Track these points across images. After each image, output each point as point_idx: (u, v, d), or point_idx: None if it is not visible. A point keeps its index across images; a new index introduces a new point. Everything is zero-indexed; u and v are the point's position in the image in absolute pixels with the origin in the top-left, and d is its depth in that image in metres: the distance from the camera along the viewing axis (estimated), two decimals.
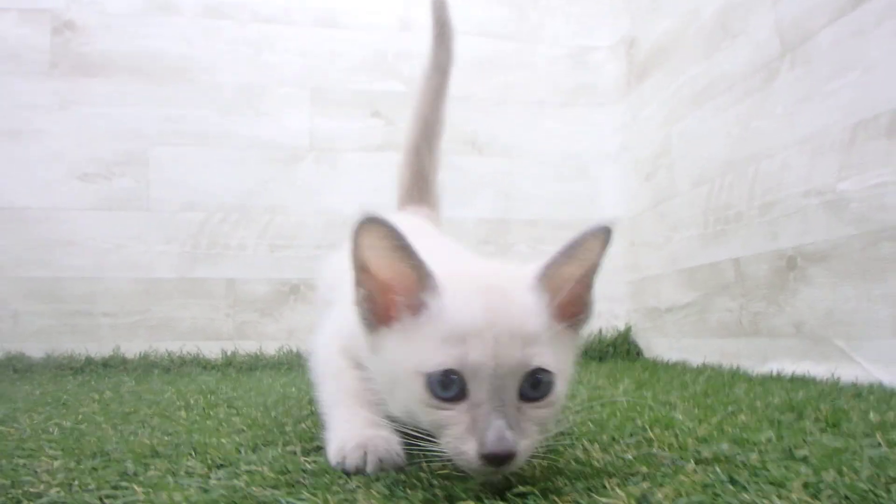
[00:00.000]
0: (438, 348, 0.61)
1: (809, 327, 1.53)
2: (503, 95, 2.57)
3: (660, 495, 0.55)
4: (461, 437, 0.60)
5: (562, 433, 0.83)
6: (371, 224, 0.62)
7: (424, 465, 0.67)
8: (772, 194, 1.65)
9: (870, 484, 0.58)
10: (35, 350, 2.17)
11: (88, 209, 2.29)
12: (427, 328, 0.63)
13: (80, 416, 1.11)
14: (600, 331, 2.41)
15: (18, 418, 1.09)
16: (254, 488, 0.60)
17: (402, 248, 0.63)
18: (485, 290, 0.65)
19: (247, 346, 2.27)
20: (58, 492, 0.62)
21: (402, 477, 0.63)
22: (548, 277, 0.66)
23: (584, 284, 0.68)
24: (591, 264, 0.67)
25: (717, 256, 1.89)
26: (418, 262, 0.63)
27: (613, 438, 0.81)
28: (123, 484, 0.64)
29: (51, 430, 0.98)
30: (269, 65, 2.45)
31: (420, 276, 0.64)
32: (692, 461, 0.67)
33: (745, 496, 0.56)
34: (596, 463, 0.68)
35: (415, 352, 0.63)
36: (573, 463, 0.68)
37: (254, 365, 2.16)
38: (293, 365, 2.10)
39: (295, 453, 0.74)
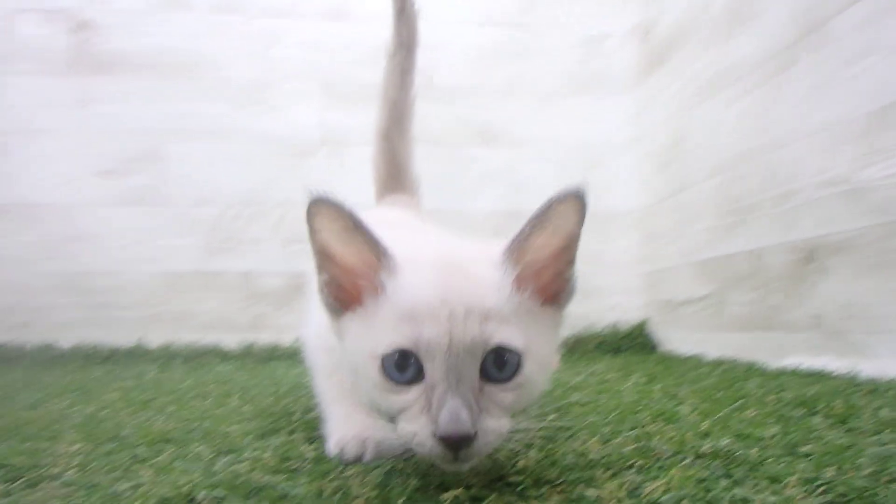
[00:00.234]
0: (392, 329, 0.59)
1: (828, 321, 1.49)
2: (512, 85, 2.53)
3: (650, 488, 0.56)
4: (416, 420, 0.57)
5: (562, 427, 0.84)
6: (322, 205, 0.60)
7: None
8: (788, 184, 1.61)
9: (870, 481, 0.57)
10: (63, 341, 2.25)
11: (108, 205, 2.35)
12: (383, 309, 0.61)
13: (102, 403, 1.15)
14: (615, 324, 2.39)
15: (45, 404, 1.14)
16: (255, 474, 0.62)
17: (356, 227, 0.61)
18: (442, 266, 0.62)
19: (263, 338, 2.31)
20: (74, 473, 0.65)
21: (399, 466, 0.65)
22: (516, 252, 0.62)
23: (564, 259, 0.64)
24: (567, 235, 0.63)
25: (732, 248, 1.86)
26: (374, 241, 0.61)
27: (614, 431, 0.81)
28: (134, 467, 0.67)
29: (73, 415, 1.02)
30: (279, 59, 2.46)
31: (377, 256, 0.61)
32: (690, 456, 0.67)
33: (738, 491, 0.56)
34: (592, 455, 0.68)
35: (372, 335, 0.61)
36: (570, 455, 0.69)
37: (270, 356, 2.20)
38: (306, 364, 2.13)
39: (298, 442, 0.76)
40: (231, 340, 2.30)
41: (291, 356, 2.16)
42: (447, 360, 0.57)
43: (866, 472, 0.60)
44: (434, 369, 0.57)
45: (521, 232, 0.62)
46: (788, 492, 0.55)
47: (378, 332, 0.60)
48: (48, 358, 2.14)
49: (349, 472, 0.63)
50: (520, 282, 0.62)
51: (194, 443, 0.79)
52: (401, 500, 0.53)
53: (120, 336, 2.28)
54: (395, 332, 0.58)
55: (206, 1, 2.45)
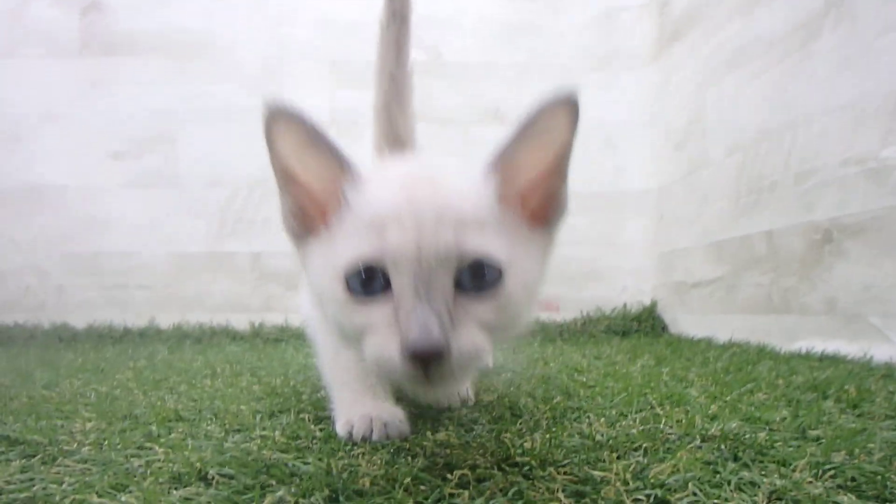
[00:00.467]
0: (356, 241, 0.55)
1: (843, 304, 1.47)
2: (526, 63, 2.47)
3: (656, 470, 0.56)
4: (382, 337, 0.52)
5: (569, 408, 0.84)
6: (281, 118, 0.56)
7: (428, 434, 0.69)
8: (809, 163, 1.56)
9: (880, 466, 0.57)
10: (78, 321, 2.29)
11: (122, 187, 2.38)
12: (347, 224, 0.56)
13: (116, 383, 1.17)
14: (625, 305, 2.38)
15: (60, 383, 1.17)
16: (264, 452, 0.63)
17: (317, 139, 0.57)
18: (413, 176, 0.58)
19: (273, 319, 2.33)
20: (89, 450, 0.66)
21: (406, 445, 0.65)
22: (500, 164, 0.57)
23: (554, 174, 0.60)
24: (558, 146, 0.58)
25: (748, 229, 1.82)
26: (337, 153, 0.57)
27: (622, 413, 0.81)
28: (147, 444, 0.68)
29: (88, 394, 1.04)
30: (289, 38, 2.45)
31: (341, 168, 0.57)
32: (698, 438, 0.67)
33: (746, 474, 0.56)
34: (599, 437, 0.68)
35: (335, 252, 0.56)
36: (576, 436, 0.69)
37: (280, 336, 2.22)
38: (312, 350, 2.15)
39: (307, 421, 0.77)
40: (241, 321, 2.33)
41: (301, 337, 2.18)
42: (415, 269, 0.52)
43: (877, 456, 0.60)
44: (401, 281, 0.53)
45: (508, 143, 0.57)
46: (797, 475, 0.55)
47: (341, 248, 0.56)
48: (63, 338, 2.18)
49: (357, 451, 0.64)
50: (504, 197, 0.57)
51: (205, 421, 0.80)
52: (407, 480, 0.54)
53: (133, 316, 2.32)
54: (358, 245, 0.54)
55: None
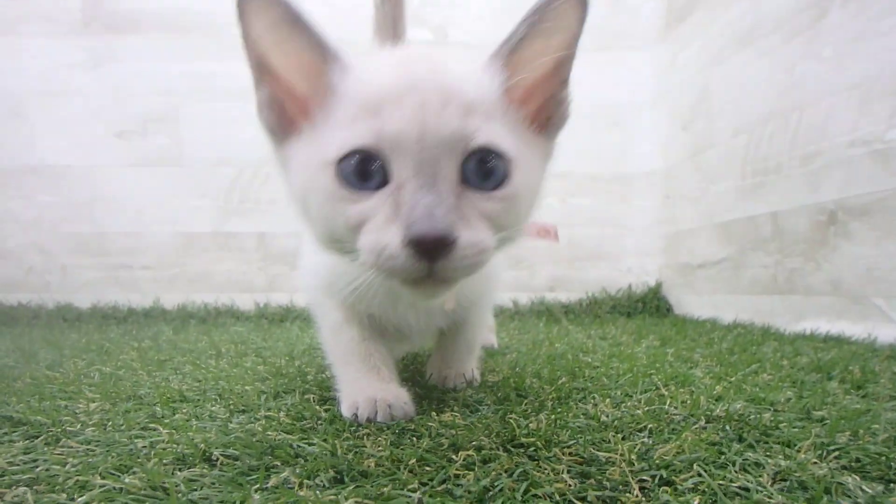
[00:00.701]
0: (348, 128, 0.49)
1: (848, 285, 1.47)
2: None
3: (661, 451, 0.56)
4: (382, 227, 0.48)
5: (574, 389, 0.84)
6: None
7: (434, 415, 0.68)
8: (815, 144, 1.55)
9: (884, 447, 0.57)
10: (83, 301, 2.30)
11: (126, 166, 2.36)
12: (336, 113, 0.51)
13: (120, 363, 1.17)
14: (630, 286, 2.38)
15: (64, 364, 1.17)
16: (269, 433, 0.63)
17: (296, 21, 0.52)
18: (412, 57, 0.53)
19: (278, 299, 2.34)
20: (93, 431, 0.66)
21: (411, 426, 0.65)
22: (507, 56, 0.53)
23: (558, 75, 0.57)
24: (565, 43, 0.55)
25: (754, 210, 1.81)
26: (318, 38, 0.52)
27: (627, 394, 0.81)
28: (152, 425, 0.68)
29: (92, 374, 1.04)
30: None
31: (323, 56, 0.52)
32: (703, 419, 0.67)
33: (750, 454, 0.56)
34: (604, 418, 0.68)
35: (322, 145, 0.51)
36: (582, 417, 0.69)
37: (285, 316, 2.23)
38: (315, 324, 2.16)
39: (312, 401, 0.77)
40: (246, 301, 2.34)
41: (306, 317, 2.19)
42: (419, 155, 0.48)
43: (881, 437, 0.59)
44: (403, 167, 0.48)
45: (513, 35, 0.53)
46: (801, 456, 0.55)
47: (330, 139, 0.51)
48: (67, 318, 2.19)
49: (362, 432, 0.63)
50: (509, 92, 0.53)
51: (210, 402, 0.80)
52: (412, 461, 0.53)
53: (138, 296, 2.32)
54: (351, 131, 0.49)
55: None
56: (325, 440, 0.60)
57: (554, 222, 0.86)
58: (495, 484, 0.49)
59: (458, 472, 0.51)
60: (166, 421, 0.70)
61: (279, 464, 0.54)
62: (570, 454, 0.55)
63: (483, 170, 0.50)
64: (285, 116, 0.56)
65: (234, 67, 2.34)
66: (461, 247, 0.47)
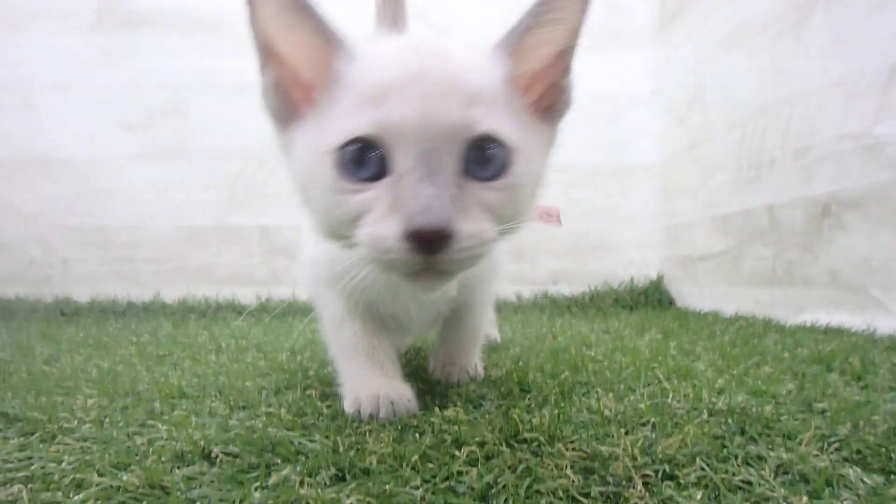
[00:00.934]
0: (350, 116, 0.49)
1: (845, 276, 1.47)
2: None
3: (664, 445, 0.55)
4: (381, 219, 0.48)
5: (577, 383, 0.84)
6: None
7: (436, 411, 0.68)
8: (806, 138, 1.58)
9: (884, 438, 0.57)
10: (82, 294, 2.30)
11: (131, 159, 2.36)
12: (339, 100, 0.51)
13: (118, 358, 1.17)
14: (632, 279, 2.39)
15: (61, 359, 1.16)
16: (270, 429, 0.62)
17: (303, 7, 0.52)
18: (416, 46, 0.53)
19: (280, 292, 2.33)
20: (90, 427, 0.66)
21: (413, 422, 0.65)
22: (511, 45, 0.54)
23: (561, 63, 0.57)
24: (569, 31, 0.55)
25: (751, 203, 1.83)
26: (324, 25, 0.52)
27: (630, 388, 0.81)
28: (150, 422, 0.68)
29: (89, 370, 1.03)
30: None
31: (329, 42, 0.52)
32: (705, 412, 0.67)
33: (752, 447, 0.55)
34: (607, 412, 0.68)
35: (324, 132, 0.51)
36: (585, 411, 0.68)
37: (287, 311, 2.22)
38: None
39: (313, 397, 0.77)
40: (248, 295, 2.33)
41: (306, 311, 2.18)
42: (420, 146, 0.47)
43: (882, 429, 0.59)
44: (403, 158, 0.48)
45: (520, 23, 0.53)
46: (803, 449, 0.55)
47: (331, 126, 0.50)
48: (65, 312, 2.19)
49: (364, 429, 0.63)
50: (513, 80, 0.54)
51: (210, 398, 0.80)
52: (415, 457, 0.53)
53: (138, 290, 2.32)
54: (352, 119, 0.49)
55: None
56: (326, 437, 0.60)
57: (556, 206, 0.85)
58: (498, 480, 0.49)
59: (460, 469, 0.51)
60: (165, 417, 0.70)
61: (280, 461, 0.54)
62: (573, 449, 0.55)
63: (484, 159, 0.50)
64: (289, 101, 0.56)
65: (241, 63, 2.35)
66: (461, 239, 0.47)
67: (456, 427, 0.62)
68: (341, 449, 0.56)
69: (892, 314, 1.34)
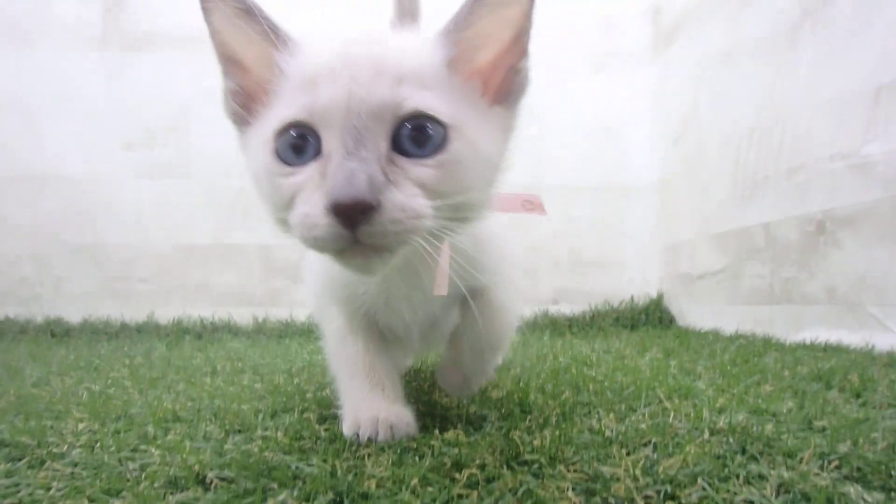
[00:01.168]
0: (286, 105, 0.52)
1: (842, 293, 1.48)
2: (532, 61, 2.48)
3: (665, 465, 0.55)
4: (308, 197, 0.49)
5: (578, 403, 0.83)
6: None
7: (436, 433, 0.67)
8: (799, 158, 1.61)
9: (884, 455, 0.56)
10: (75, 314, 2.27)
11: (132, 177, 2.36)
12: (281, 93, 0.54)
13: (110, 381, 1.15)
14: (632, 298, 2.39)
15: (51, 381, 1.14)
16: (267, 453, 0.61)
17: (248, 11, 0.55)
18: (353, 38, 0.55)
19: (278, 313, 2.32)
20: (80, 452, 0.64)
21: (413, 445, 0.64)
22: (453, 31, 0.55)
23: (514, 49, 0.58)
24: (516, 18, 0.56)
25: (747, 221, 1.85)
26: (272, 25, 0.55)
27: (631, 408, 0.80)
28: (143, 446, 0.66)
29: (80, 393, 1.02)
30: (298, 29, 2.43)
31: (274, 39, 0.55)
32: (706, 431, 0.66)
33: (753, 466, 0.55)
34: (608, 432, 0.67)
35: (266, 123, 0.54)
36: (586, 432, 0.68)
37: (283, 332, 2.20)
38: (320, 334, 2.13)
39: (311, 420, 0.76)
40: (244, 315, 2.31)
41: (305, 333, 2.16)
42: (346, 123, 0.49)
43: (881, 446, 0.59)
44: (331, 136, 0.49)
45: (461, 8, 0.55)
46: (803, 467, 0.54)
47: (272, 115, 0.54)
48: (56, 333, 2.16)
49: (363, 452, 0.62)
50: (455, 64, 0.55)
51: (204, 421, 0.78)
52: (414, 481, 0.52)
53: (133, 309, 2.29)
54: (287, 107, 0.52)
55: None
56: (324, 460, 0.58)
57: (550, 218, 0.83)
58: (499, 503, 0.48)
59: (461, 493, 0.50)
60: (158, 441, 0.68)
61: (276, 486, 0.53)
62: (574, 470, 0.54)
63: (417, 136, 0.50)
64: (248, 105, 0.59)
65: None
66: (387, 210, 0.47)
67: (456, 449, 0.61)
68: (339, 473, 0.55)
69: (889, 331, 1.34)
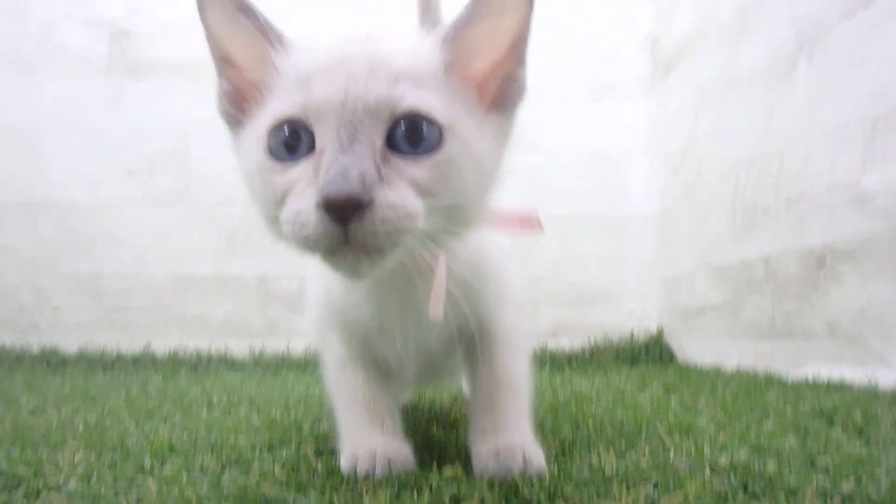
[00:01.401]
0: (279, 102, 0.52)
1: (844, 328, 1.47)
2: (531, 91, 2.52)
3: (666, 502, 0.54)
4: (300, 194, 0.49)
5: (578, 439, 0.82)
6: None
7: (435, 468, 0.67)
8: (797, 189, 1.61)
9: (888, 494, 0.56)
10: (71, 344, 2.25)
11: (131, 205, 2.37)
12: (275, 92, 0.54)
13: (106, 411, 1.14)
14: (632, 333, 2.36)
15: (47, 411, 1.13)
16: (264, 486, 0.61)
17: (244, 9, 0.55)
18: (350, 37, 0.56)
19: (276, 343, 2.29)
20: (76, 483, 0.64)
21: (411, 480, 0.63)
22: (452, 36, 0.55)
23: (512, 57, 0.58)
24: (514, 25, 0.56)
25: (747, 253, 1.84)
26: (266, 25, 0.55)
27: (631, 444, 0.79)
28: (139, 478, 0.66)
29: (76, 423, 1.01)
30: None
31: (270, 40, 0.55)
32: (707, 469, 0.66)
33: None
34: (608, 469, 0.66)
35: (258, 121, 0.54)
36: (586, 469, 0.67)
37: (281, 364, 2.18)
38: (319, 364, 2.12)
39: (308, 454, 0.75)
40: (241, 347, 2.29)
41: (302, 365, 2.15)
42: (340, 119, 0.48)
43: (885, 484, 0.58)
44: (325, 132, 0.49)
45: (457, 18, 0.55)
46: None
47: (264, 114, 0.53)
48: (52, 363, 2.14)
49: (360, 487, 0.61)
50: (453, 68, 0.55)
51: (201, 454, 0.77)
52: None
53: (130, 339, 2.27)
54: (280, 103, 0.52)
55: None
56: (322, 493, 0.58)
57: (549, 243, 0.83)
58: None
59: None
60: (155, 473, 0.68)
61: None
62: None
63: (412, 135, 0.50)
64: (244, 106, 0.59)
65: None
66: (379, 207, 0.46)
67: (455, 485, 0.60)
68: None
69: (892, 367, 1.33)
